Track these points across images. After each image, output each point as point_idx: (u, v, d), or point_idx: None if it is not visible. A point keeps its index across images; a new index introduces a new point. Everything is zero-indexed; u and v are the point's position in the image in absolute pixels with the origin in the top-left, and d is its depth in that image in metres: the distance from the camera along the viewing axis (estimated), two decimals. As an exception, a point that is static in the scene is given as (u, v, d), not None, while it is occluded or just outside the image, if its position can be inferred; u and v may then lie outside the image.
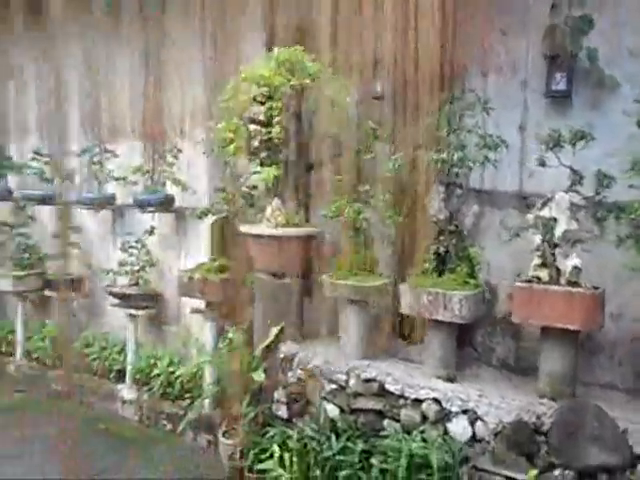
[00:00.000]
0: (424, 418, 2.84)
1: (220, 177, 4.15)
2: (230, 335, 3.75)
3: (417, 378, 2.99)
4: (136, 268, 4.49)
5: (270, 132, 3.34)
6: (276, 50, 3.23)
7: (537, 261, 2.81)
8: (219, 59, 4.06)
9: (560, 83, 3.00)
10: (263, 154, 3.45)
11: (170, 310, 4.63)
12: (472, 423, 2.73)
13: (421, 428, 2.80)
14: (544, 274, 2.79)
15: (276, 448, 3.13)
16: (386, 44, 3.35)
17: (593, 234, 2.84)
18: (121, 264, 4.54)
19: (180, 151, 4.37)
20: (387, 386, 2.98)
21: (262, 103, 3.36)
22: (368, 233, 3.28)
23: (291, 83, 3.10)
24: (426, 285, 2.95)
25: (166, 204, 4.40)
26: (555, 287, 2.67)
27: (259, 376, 3.26)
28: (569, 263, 2.74)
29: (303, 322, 3.60)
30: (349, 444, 2.96)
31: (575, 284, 2.70)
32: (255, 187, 4.05)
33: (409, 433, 2.82)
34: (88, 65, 4.79)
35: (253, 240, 3.57)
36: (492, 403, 2.74)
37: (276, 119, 3.27)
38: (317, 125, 3.37)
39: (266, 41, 3.82)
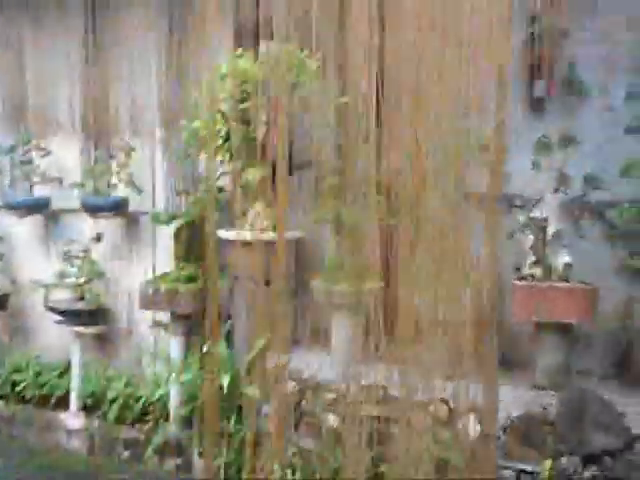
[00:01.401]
0: (434, 419, 2.89)
1: (182, 179, 3.90)
2: (206, 349, 3.54)
3: (420, 380, 3.03)
4: (82, 280, 4.07)
5: (254, 131, 3.20)
6: (265, 44, 3.09)
7: (532, 259, 2.99)
8: (181, 53, 3.81)
9: (540, 90, 3.22)
10: (244, 154, 3.30)
11: (122, 326, 4.25)
12: (482, 420, 2.83)
13: (432, 430, 2.85)
14: (538, 271, 2.98)
15: (276, 466, 3.01)
16: (374, 43, 3.36)
17: (580, 233, 3.08)
18: (61, 276, 4.09)
19: (133, 149, 4.04)
20: (391, 391, 2.99)
21: (244, 100, 3.20)
22: (359, 236, 3.26)
23: (287, 81, 2.99)
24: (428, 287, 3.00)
25: (119, 208, 4.03)
26: (557, 284, 2.86)
27: (253, 391, 3.11)
28: (560, 260, 2.96)
29: (291, 330, 3.49)
30: (356, 454, 2.93)
31: (566, 280, 2.92)
32: (222, 189, 3.87)
33: (420, 437, 2.85)
34: (13, 50, 4.25)
35: (233, 246, 3.40)
36: (500, 398, 2.85)
37: (262, 118, 3.14)
38: (304, 125, 3.28)
39: (236, 35, 3.66)
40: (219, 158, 3.47)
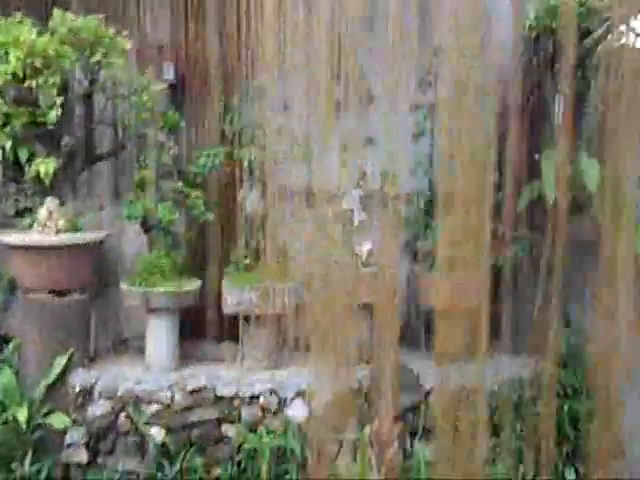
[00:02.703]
0: (264, 411, 2.92)
1: None
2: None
3: (245, 375, 3.04)
4: None
5: (43, 115, 2.73)
6: (58, 13, 2.65)
7: (342, 248, 3.28)
8: None
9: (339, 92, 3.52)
10: (31, 142, 2.79)
11: None
12: (308, 403, 2.98)
13: (265, 422, 2.88)
14: (347, 259, 3.28)
15: (94, 498, 2.64)
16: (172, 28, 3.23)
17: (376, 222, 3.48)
18: None
19: None
20: (218, 391, 2.92)
21: (28, 77, 2.70)
22: (175, 233, 3.08)
23: (94, 59, 2.60)
24: (251, 281, 3.03)
25: None
26: (363, 269, 3.20)
27: (62, 421, 2.64)
28: (364, 248, 3.32)
29: (97, 343, 3.09)
30: (187, 463, 2.77)
31: (369, 265, 3.29)
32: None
33: (254, 431, 2.85)
34: None
35: (19, 252, 2.84)
36: (320, 379, 3.04)
37: (57, 100, 2.70)
38: (108, 111, 2.93)
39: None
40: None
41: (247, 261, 3.09)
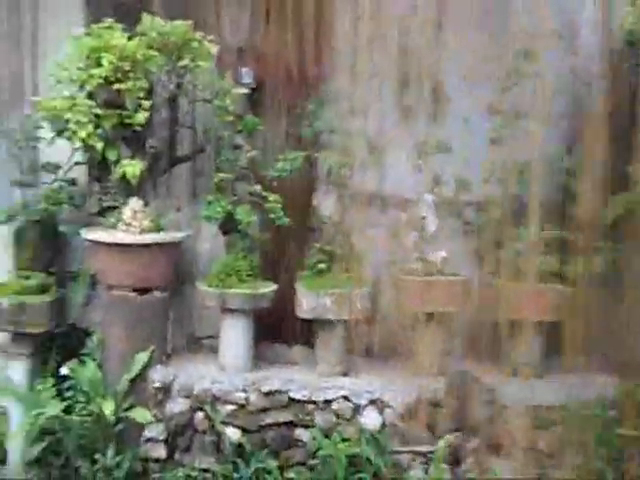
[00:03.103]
0: (338, 417, 2.91)
1: (22, 167, 3.19)
2: (65, 371, 2.99)
3: (319, 380, 3.03)
4: None
5: (130, 117, 2.78)
6: (148, 19, 2.69)
7: (416, 255, 3.21)
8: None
9: (410, 98, 3.44)
10: (118, 143, 2.86)
11: None
12: (381, 411, 2.94)
13: (339, 428, 2.86)
14: (421, 266, 3.21)
15: (172, 494, 2.71)
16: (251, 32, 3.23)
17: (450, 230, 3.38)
18: None
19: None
20: (292, 394, 2.93)
21: (118, 81, 2.76)
22: (252, 236, 3.09)
23: (182, 63, 2.63)
24: (326, 286, 3.00)
25: None
26: (438, 277, 3.11)
27: (143, 416, 2.72)
28: (438, 255, 3.23)
29: (173, 341, 3.15)
30: (261, 465, 2.80)
31: (443, 272, 3.20)
32: (74, 182, 3.30)
33: (327, 436, 2.84)
34: None
35: (103, 250, 2.92)
36: (393, 388, 3.00)
37: (144, 103, 2.75)
38: (189, 114, 2.97)
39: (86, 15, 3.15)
40: (79, 144, 2.92)
41: (322, 265, 3.07)
